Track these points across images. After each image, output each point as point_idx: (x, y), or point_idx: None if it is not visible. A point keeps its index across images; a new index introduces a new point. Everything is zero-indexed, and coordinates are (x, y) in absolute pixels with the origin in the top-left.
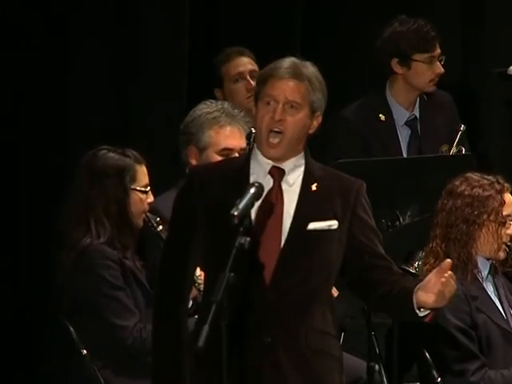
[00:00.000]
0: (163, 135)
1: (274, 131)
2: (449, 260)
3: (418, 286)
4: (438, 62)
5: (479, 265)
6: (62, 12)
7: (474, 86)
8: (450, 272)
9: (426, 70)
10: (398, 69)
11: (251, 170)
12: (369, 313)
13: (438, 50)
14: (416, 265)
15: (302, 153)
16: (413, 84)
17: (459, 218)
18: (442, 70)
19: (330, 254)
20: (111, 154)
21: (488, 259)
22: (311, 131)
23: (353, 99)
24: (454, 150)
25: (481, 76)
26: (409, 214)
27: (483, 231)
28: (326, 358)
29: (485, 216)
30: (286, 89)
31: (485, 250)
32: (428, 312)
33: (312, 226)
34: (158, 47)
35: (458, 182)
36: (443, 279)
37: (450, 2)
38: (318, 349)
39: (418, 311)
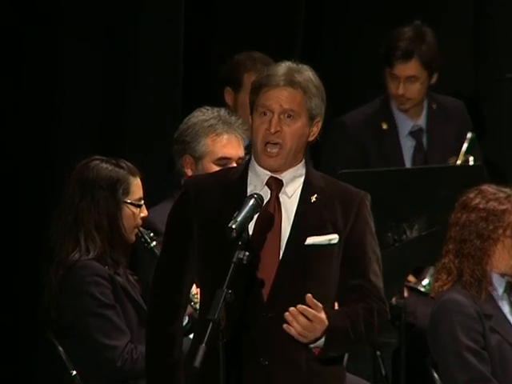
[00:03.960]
0: (157, 143)
1: (272, 143)
2: (308, 294)
3: None
4: (402, 83)
5: (494, 282)
6: (54, 16)
7: (486, 91)
8: (298, 306)
9: (390, 86)
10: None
11: (248, 181)
12: None
13: (404, 72)
14: (425, 282)
15: (302, 162)
16: None
17: (473, 233)
18: (401, 92)
19: (330, 270)
20: (104, 165)
21: (503, 276)
22: (311, 138)
23: (355, 103)
24: (461, 160)
25: (492, 81)
26: (416, 227)
27: (498, 247)
28: (327, 380)
29: (500, 231)
30: (280, 98)
31: (500, 266)
32: (316, 345)
33: (311, 240)
34: (152, 49)
35: (472, 195)
36: (286, 313)
37: (461, 6)
38: (319, 371)
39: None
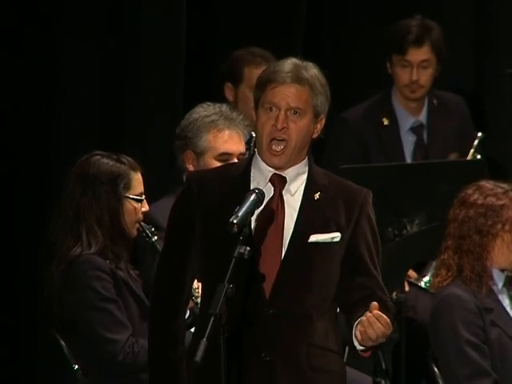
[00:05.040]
0: (158, 139)
1: (277, 139)
2: (374, 303)
3: (358, 320)
4: (415, 69)
5: (494, 277)
6: (54, 16)
7: (487, 87)
8: (374, 312)
9: (400, 74)
10: (388, 69)
11: (252, 177)
12: None
13: (417, 57)
14: (426, 279)
15: (306, 159)
16: (397, 88)
17: (472, 229)
18: (415, 78)
19: (332, 268)
20: (105, 160)
21: (503, 270)
22: (315, 135)
23: (355, 104)
24: (470, 158)
25: (493, 77)
26: (417, 222)
27: (497, 242)
28: (329, 375)
29: (499, 226)
30: (287, 95)
31: (500, 261)
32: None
33: (314, 238)
34: (153, 47)
35: (470, 191)
36: (363, 318)
37: (462, 2)
38: (320, 367)
39: (357, 345)
